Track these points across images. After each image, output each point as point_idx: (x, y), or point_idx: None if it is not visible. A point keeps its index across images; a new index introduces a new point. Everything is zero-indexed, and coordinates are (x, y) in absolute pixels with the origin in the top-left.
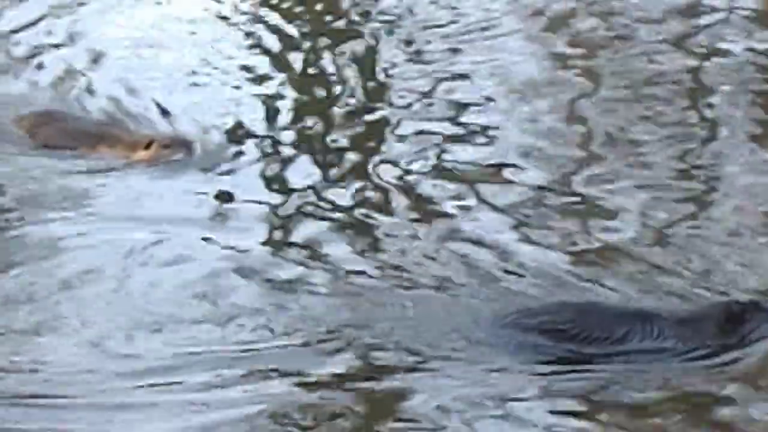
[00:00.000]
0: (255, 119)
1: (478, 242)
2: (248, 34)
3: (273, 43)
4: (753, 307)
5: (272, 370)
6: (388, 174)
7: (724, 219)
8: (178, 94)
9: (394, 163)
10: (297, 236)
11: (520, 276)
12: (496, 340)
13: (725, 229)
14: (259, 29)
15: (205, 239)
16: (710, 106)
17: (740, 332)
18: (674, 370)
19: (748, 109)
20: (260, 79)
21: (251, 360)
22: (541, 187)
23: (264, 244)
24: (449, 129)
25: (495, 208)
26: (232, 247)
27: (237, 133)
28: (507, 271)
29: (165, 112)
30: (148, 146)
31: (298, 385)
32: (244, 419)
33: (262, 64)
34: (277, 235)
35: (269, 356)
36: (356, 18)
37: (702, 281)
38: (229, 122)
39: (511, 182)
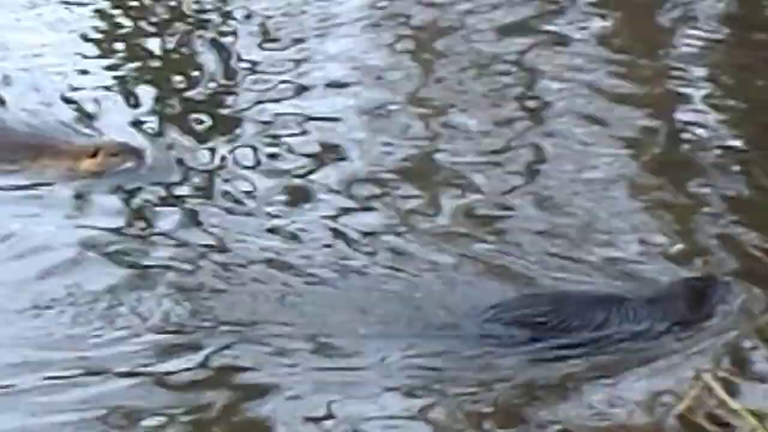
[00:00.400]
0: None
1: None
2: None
3: (128, 30)
4: (711, 281)
5: (119, 370)
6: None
7: (560, 203)
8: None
9: (255, 149)
10: (164, 225)
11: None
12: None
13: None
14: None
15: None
16: (547, 93)
17: (707, 308)
18: (654, 351)
19: (584, 98)
20: (117, 71)
21: (97, 359)
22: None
23: (124, 233)
24: (298, 116)
25: (337, 192)
26: (89, 235)
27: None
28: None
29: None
30: (94, 155)
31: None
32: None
33: (120, 54)
34: (139, 224)
35: (116, 354)
36: (210, 6)
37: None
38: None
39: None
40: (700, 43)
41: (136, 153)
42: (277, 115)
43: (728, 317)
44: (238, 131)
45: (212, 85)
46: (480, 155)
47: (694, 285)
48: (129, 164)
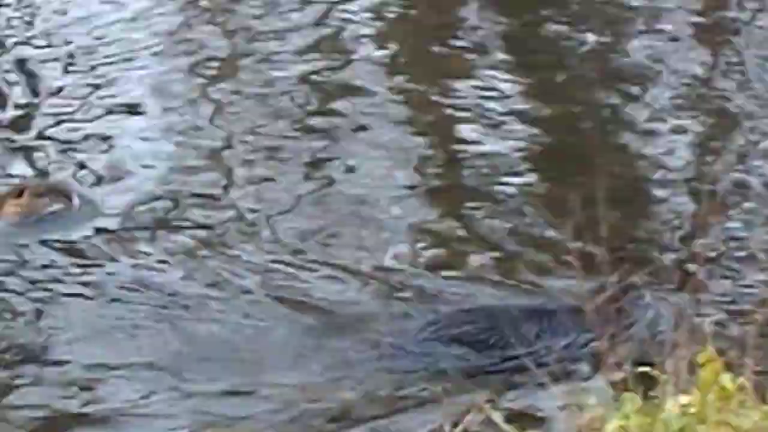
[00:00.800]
0: None
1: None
2: None
3: None
4: (630, 288)
5: None
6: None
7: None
8: None
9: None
10: None
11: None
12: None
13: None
14: None
15: None
16: (337, 113)
17: (630, 315)
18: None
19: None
20: None
21: None
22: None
23: None
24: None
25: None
26: None
27: None
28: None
29: None
30: (19, 195)
31: None
32: None
33: None
34: None
35: None
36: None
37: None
38: None
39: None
40: (482, 68)
41: (64, 192)
42: (82, 137)
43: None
44: (38, 154)
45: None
46: (268, 177)
47: (616, 294)
48: (57, 204)
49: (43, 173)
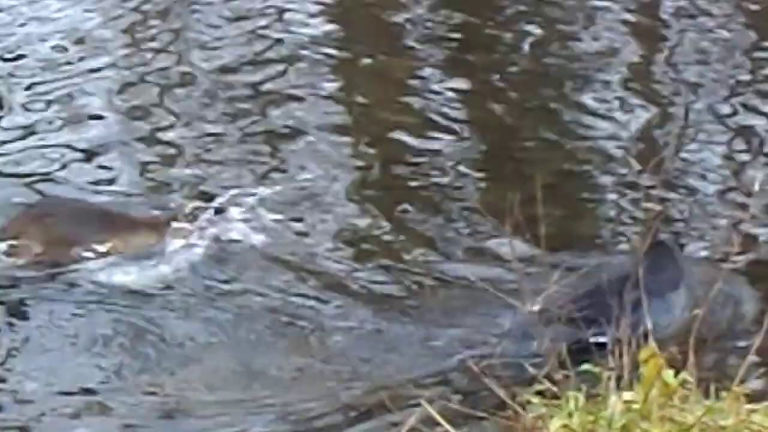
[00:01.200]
0: None
1: None
2: None
3: None
4: (664, 245)
5: None
6: None
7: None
8: None
9: None
10: None
11: None
12: None
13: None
14: None
15: None
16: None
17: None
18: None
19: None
20: None
21: None
22: None
23: None
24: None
25: None
26: None
27: None
28: None
29: None
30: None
31: None
32: None
33: None
34: None
35: None
36: None
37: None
38: None
39: None
40: (421, 69)
41: (218, 211)
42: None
43: None
44: None
45: None
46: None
47: (665, 249)
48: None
49: None
